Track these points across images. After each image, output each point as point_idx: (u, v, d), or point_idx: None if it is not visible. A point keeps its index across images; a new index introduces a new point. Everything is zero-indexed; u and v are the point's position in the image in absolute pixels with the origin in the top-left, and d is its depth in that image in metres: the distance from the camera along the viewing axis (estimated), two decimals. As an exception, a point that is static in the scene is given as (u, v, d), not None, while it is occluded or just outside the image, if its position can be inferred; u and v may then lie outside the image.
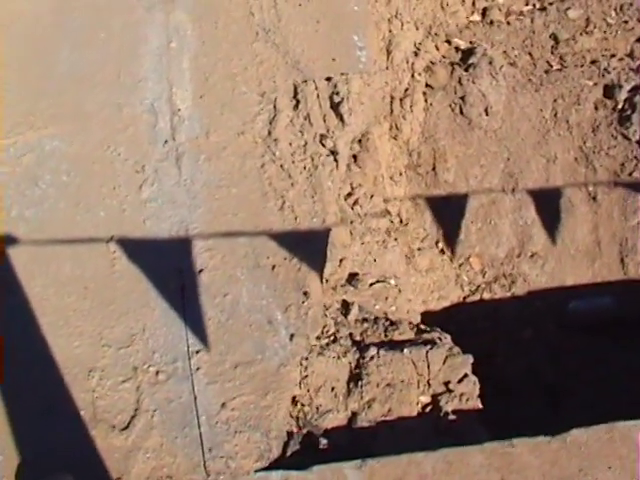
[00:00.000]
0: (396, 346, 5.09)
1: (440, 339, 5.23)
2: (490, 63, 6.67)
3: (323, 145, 5.53)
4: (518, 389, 6.52)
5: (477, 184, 6.67)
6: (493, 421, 6.22)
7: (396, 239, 5.70)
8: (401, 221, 6.48)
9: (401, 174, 6.53)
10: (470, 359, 5.10)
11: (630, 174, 6.76)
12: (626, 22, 7.21)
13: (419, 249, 6.50)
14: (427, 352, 5.05)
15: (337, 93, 5.71)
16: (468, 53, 6.78)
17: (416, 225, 6.55)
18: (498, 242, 6.72)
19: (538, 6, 7.30)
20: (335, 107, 5.68)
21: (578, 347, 6.69)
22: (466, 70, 6.67)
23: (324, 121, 5.65)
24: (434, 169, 6.64)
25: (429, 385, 5.00)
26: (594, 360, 6.69)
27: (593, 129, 6.84)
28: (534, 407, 6.45)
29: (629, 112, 6.78)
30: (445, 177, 6.63)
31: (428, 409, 5.03)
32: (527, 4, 7.30)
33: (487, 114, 6.68)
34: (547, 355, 6.65)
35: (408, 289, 5.61)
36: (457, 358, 5.06)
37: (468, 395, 5.01)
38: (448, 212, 6.65)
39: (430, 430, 4.91)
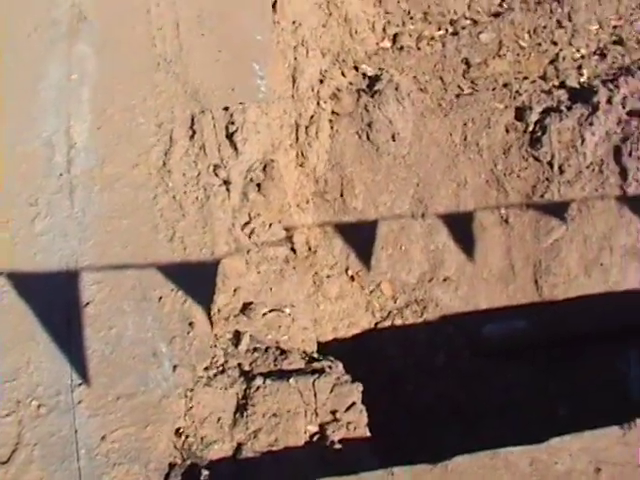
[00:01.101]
0: (283, 376, 5.02)
1: (330, 367, 5.11)
2: (396, 89, 6.65)
3: (216, 175, 5.48)
4: (429, 416, 6.39)
5: (386, 210, 6.65)
6: (405, 449, 6.17)
7: (294, 267, 5.59)
8: (309, 249, 6.40)
9: (308, 202, 6.46)
10: (359, 387, 5.08)
11: (542, 195, 6.77)
12: (539, 44, 7.17)
13: (328, 276, 6.42)
14: (314, 381, 4.99)
15: (232, 123, 5.67)
16: (374, 79, 6.72)
17: (325, 252, 6.52)
18: (409, 268, 6.70)
19: (451, 30, 7.17)
20: (230, 137, 5.59)
21: (492, 372, 6.61)
22: (372, 97, 6.60)
23: (219, 151, 5.55)
24: (342, 196, 6.60)
25: (316, 414, 4.92)
26: (508, 385, 6.61)
27: (504, 152, 6.86)
28: (446, 434, 6.34)
29: (539, 134, 6.79)
30: (353, 204, 6.60)
31: (315, 439, 4.85)
32: (439, 29, 7.21)
33: (394, 140, 6.64)
34: (460, 381, 6.55)
35: (305, 318, 5.51)
36: (344, 387, 5.03)
37: (355, 424, 4.96)
38: (357, 239, 6.61)
39: (317, 460, 4.81)
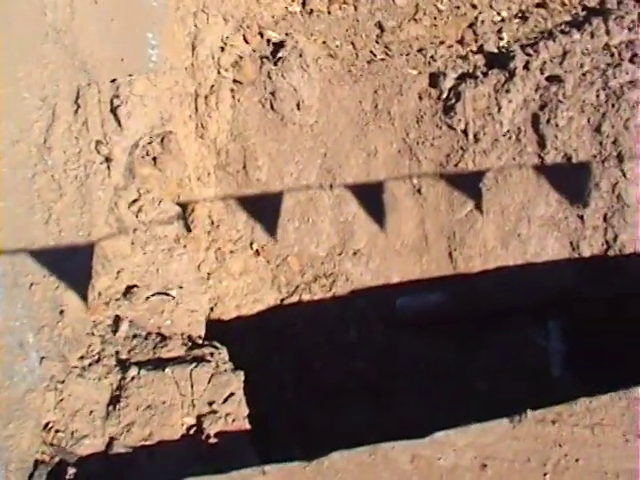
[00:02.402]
0: (160, 365, 4.76)
1: (212, 354, 4.86)
2: (300, 55, 6.34)
3: (98, 152, 5.18)
4: (339, 393, 6.18)
5: (293, 181, 6.41)
6: (310, 429, 5.95)
7: (185, 246, 5.29)
8: (212, 223, 6.12)
9: (209, 174, 6.16)
10: (240, 376, 4.87)
11: (456, 165, 6.55)
12: (458, 7, 6.87)
13: (231, 252, 6.16)
14: (191, 370, 4.71)
15: (117, 96, 5.34)
16: (279, 46, 6.38)
17: (228, 227, 6.24)
18: (318, 240, 6.47)
19: (366, -7, 6.82)
20: (114, 111, 5.29)
21: (406, 347, 6.40)
22: (275, 64, 6.30)
23: (102, 126, 5.25)
24: (245, 168, 6.32)
25: (193, 406, 4.67)
26: (423, 359, 6.41)
27: (417, 120, 6.61)
28: (355, 412, 6.13)
29: (453, 101, 6.49)
30: (257, 175, 6.37)
31: (192, 432, 4.62)
32: (353, -8, 6.85)
33: (299, 109, 6.34)
34: (372, 356, 6.34)
35: (194, 300, 5.25)
36: (223, 376, 4.82)
37: (234, 415, 4.73)
38: (262, 212, 6.39)
39: (193, 455, 4.59)
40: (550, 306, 6.65)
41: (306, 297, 6.35)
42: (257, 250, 6.33)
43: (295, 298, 6.37)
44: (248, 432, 4.81)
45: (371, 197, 6.51)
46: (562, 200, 6.60)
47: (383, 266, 6.54)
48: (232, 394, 4.85)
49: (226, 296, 6.13)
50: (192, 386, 4.77)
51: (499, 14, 7.05)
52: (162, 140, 5.64)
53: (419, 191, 6.60)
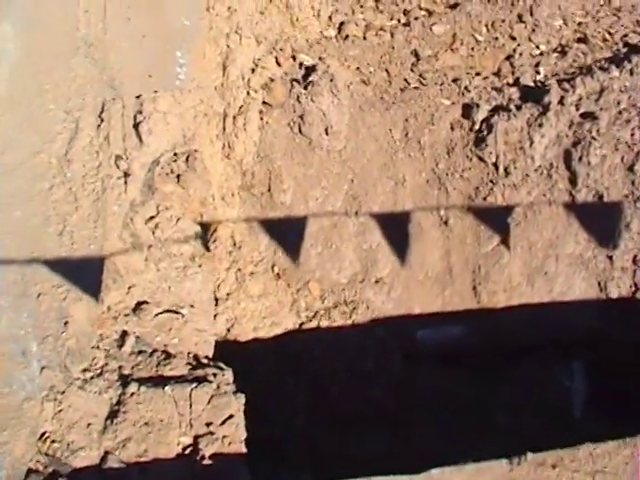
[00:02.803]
0: (161, 382, 4.75)
1: (215, 375, 4.84)
2: (331, 80, 6.28)
3: (117, 167, 5.18)
4: (356, 421, 6.14)
5: (317, 206, 6.35)
6: (322, 455, 5.92)
7: (200, 265, 5.29)
8: (234, 244, 6.11)
9: (234, 195, 6.16)
10: (241, 399, 4.81)
11: (485, 198, 6.45)
12: (496, 39, 6.81)
13: (252, 273, 6.15)
14: (191, 390, 4.70)
15: (140, 112, 5.35)
16: (311, 70, 6.36)
17: (250, 248, 6.21)
18: (340, 267, 6.43)
19: (404, 21, 6.79)
20: (136, 127, 5.30)
21: (425, 378, 6.33)
22: (305, 88, 6.28)
23: (123, 141, 5.27)
24: (269, 190, 6.29)
25: (191, 426, 4.65)
26: (442, 391, 6.35)
27: (447, 150, 6.55)
28: (371, 440, 6.09)
29: (485, 133, 6.39)
30: (281, 199, 6.34)
31: (188, 451, 4.60)
32: (392, 19, 6.83)
33: (327, 134, 6.30)
34: (390, 386, 6.28)
35: (204, 319, 5.24)
36: (223, 398, 4.77)
37: (231, 438, 4.70)
38: (285, 235, 6.35)
39: (187, 474, 4.57)
40: (575, 346, 6.47)
41: (325, 323, 6.32)
42: (278, 273, 6.29)
43: (314, 323, 6.32)
44: (244, 455, 4.66)
45: (396, 226, 6.46)
46: (591, 239, 6.50)
47: (405, 296, 6.48)
48: (231, 416, 4.78)
49: (243, 318, 6.11)
50: (191, 406, 4.76)
51: (538, 47, 6.98)
52: (187, 158, 5.59)
53: (446, 223, 6.54)
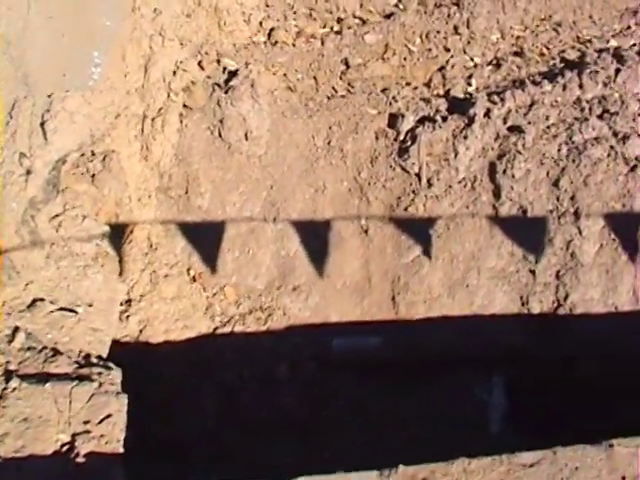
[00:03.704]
0: (44, 379, 4.70)
1: (100, 374, 4.82)
2: (252, 86, 6.24)
3: (21, 164, 5.16)
4: (265, 431, 6.10)
5: (235, 211, 6.32)
6: (232, 460, 5.88)
7: (103, 265, 5.27)
8: (151, 245, 6.10)
9: (150, 197, 6.14)
10: (123, 399, 4.76)
11: (406, 209, 6.39)
12: (430, 50, 6.77)
13: (166, 275, 6.12)
14: (72, 388, 4.67)
15: (48, 110, 5.33)
16: (233, 75, 6.35)
17: (166, 250, 6.18)
18: (257, 273, 6.41)
19: (336, 29, 6.78)
20: (42, 125, 5.29)
21: (338, 387, 6.29)
22: (226, 92, 6.27)
23: (29, 139, 5.25)
24: (187, 193, 6.27)
25: (69, 423, 4.61)
26: (356, 402, 6.30)
27: (371, 159, 6.51)
28: (281, 452, 6.05)
29: (409, 144, 6.37)
30: (198, 202, 6.33)
31: (65, 449, 4.57)
32: (324, 27, 6.83)
33: (247, 139, 6.26)
34: (303, 395, 6.25)
35: (102, 319, 5.21)
36: (102, 397, 4.69)
37: (108, 437, 4.63)
38: (202, 239, 6.31)
39: (61, 472, 4.54)
40: (496, 360, 6.43)
41: (240, 328, 6.22)
42: (194, 277, 6.23)
43: (228, 329, 6.23)
44: (120, 455, 4.63)
45: (315, 234, 6.44)
46: (514, 253, 6.49)
47: (322, 304, 6.44)
48: (109, 415, 4.70)
49: (155, 319, 6.06)
50: (70, 403, 4.68)
51: (472, 60, 6.92)
52: (104, 158, 5.53)
53: (366, 232, 6.52)
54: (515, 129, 6.59)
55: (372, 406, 6.35)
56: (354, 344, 6.41)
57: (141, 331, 6.12)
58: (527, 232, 6.46)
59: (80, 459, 4.70)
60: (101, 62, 5.84)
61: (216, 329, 6.33)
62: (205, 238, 6.32)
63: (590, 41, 7.03)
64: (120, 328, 5.90)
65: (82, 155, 5.65)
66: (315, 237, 6.43)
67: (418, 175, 6.54)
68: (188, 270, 6.34)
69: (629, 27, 7.04)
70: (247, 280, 6.39)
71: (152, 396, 5.65)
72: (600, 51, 6.96)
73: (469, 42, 6.99)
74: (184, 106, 6.41)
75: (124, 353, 5.72)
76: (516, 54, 7.07)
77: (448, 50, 6.96)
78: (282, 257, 6.40)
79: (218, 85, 6.45)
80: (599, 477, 4.51)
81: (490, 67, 6.98)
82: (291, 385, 6.31)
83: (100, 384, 4.89)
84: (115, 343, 5.71)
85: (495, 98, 6.68)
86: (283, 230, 6.41)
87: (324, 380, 6.38)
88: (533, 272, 6.43)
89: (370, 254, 6.48)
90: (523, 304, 6.48)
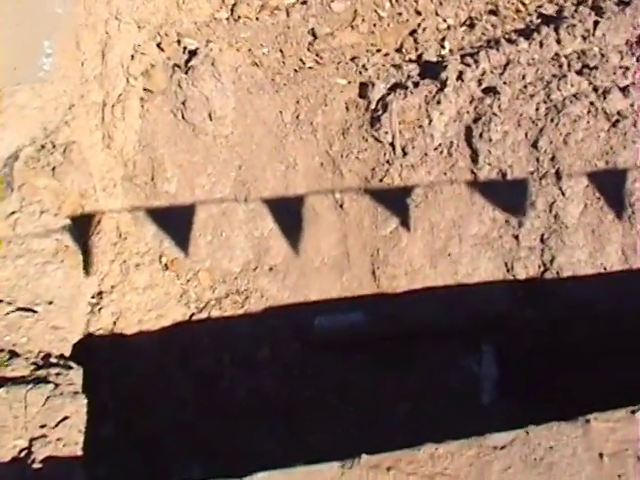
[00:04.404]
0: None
1: (59, 374, 4.70)
2: (213, 64, 6.04)
3: (-28, 162, 5.03)
4: (248, 415, 5.97)
5: (205, 194, 6.14)
6: (214, 450, 5.77)
7: (62, 261, 5.13)
8: (120, 235, 5.95)
9: (115, 185, 5.98)
10: (80, 400, 4.72)
11: (381, 180, 6.20)
12: (400, 14, 6.54)
13: (137, 265, 5.96)
14: (27, 392, 4.54)
15: None
16: (193, 54, 6.14)
17: (136, 239, 6.02)
18: (231, 255, 6.25)
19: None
20: (-9, 121, 5.15)
21: (323, 368, 6.15)
22: (186, 73, 6.06)
23: (-22, 136, 5.12)
24: (153, 179, 6.09)
25: (26, 429, 4.50)
26: (342, 381, 6.16)
27: (342, 132, 6.31)
28: (261, 435, 5.93)
29: (380, 112, 6.15)
30: (165, 187, 6.16)
31: (23, 455, 4.46)
32: (290, -2, 6.60)
33: (212, 119, 6.06)
34: (285, 377, 6.11)
35: (63, 317, 5.08)
36: (58, 400, 4.56)
37: (65, 440, 4.50)
38: (172, 225, 6.12)
39: (20, 479, 4.42)
40: (484, 329, 6.24)
41: (216, 314, 6.05)
42: (166, 264, 6.07)
43: (204, 315, 6.05)
44: (79, 458, 4.51)
45: (289, 211, 6.26)
46: (496, 218, 6.27)
47: (301, 283, 6.28)
48: (66, 418, 4.55)
49: (128, 310, 5.92)
50: (26, 408, 4.53)
51: (445, 21, 6.67)
52: (64, 150, 5.37)
53: (341, 206, 6.34)
54: (490, 90, 6.36)
55: (357, 384, 6.12)
56: (337, 322, 6.20)
57: (115, 323, 5.93)
58: (508, 196, 6.26)
59: (38, 464, 4.54)
60: (52, 52, 5.59)
61: (192, 316, 6.14)
62: (175, 224, 6.16)
63: (567, -7, 6.64)
64: (92, 322, 5.61)
65: (42, 148, 5.36)
66: (289, 215, 6.23)
67: (392, 144, 6.34)
68: (160, 258, 6.12)
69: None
70: (222, 263, 6.22)
71: (128, 389, 5.49)
72: (578, 4, 6.63)
73: (441, 3, 6.71)
74: (145, 90, 6.22)
75: (98, 347, 5.55)
76: (491, 12, 6.83)
77: (419, 13, 6.75)
78: (256, 237, 6.22)
79: (178, 66, 6.25)
80: (575, 455, 4.29)
81: (464, 28, 6.77)
82: (273, 368, 6.14)
83: (56, 385, 4.77)
84: (88, 337, 5.52)
85: (469, 60, 6.43)
86: (256, 210, 6.23)
87: (307, 361, 6.17)
88: (517, 237, 6.24)
89: (347, 228, 6.28)
90: (508, 270, 6.29)
